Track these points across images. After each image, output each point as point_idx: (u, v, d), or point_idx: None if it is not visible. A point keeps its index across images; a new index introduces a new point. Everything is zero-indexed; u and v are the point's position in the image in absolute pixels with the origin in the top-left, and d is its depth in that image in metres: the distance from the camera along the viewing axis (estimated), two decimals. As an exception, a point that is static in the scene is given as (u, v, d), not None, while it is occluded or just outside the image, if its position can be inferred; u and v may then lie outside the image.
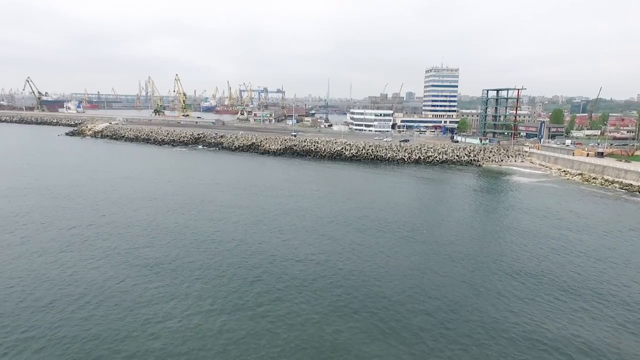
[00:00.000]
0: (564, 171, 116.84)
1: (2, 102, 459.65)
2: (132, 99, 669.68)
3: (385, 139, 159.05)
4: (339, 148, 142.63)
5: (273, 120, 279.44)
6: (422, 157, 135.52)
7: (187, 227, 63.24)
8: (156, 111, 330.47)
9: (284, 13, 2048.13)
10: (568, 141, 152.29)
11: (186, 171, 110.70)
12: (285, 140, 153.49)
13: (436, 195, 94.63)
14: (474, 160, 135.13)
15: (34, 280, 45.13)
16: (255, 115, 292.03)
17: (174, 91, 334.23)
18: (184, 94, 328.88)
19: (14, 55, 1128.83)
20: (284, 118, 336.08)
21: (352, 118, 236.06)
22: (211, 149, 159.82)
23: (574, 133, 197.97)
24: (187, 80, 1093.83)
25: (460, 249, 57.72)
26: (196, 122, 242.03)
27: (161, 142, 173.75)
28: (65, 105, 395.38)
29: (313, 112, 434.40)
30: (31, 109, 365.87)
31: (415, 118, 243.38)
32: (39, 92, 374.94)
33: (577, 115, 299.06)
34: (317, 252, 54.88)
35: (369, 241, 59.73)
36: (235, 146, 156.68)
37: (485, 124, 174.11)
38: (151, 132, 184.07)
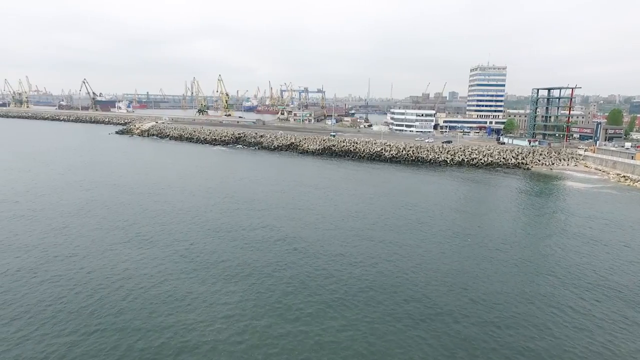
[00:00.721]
0: (624, 177, 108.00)
1: (62, 103, 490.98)
2: (179, 99, 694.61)
3: (427, 140, 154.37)
4: (379, 149, 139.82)
5: (312, 120, 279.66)
6: (466, 159, 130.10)
7: (230, 225, 63.47)
8: (200, 111, 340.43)
9: (325, 13, 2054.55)
10: (628, 144, 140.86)
11: (226, 170, 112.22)
12: (324, 140, 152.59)
13: (482, 199, 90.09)
14: (522, 163, 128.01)
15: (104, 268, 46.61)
16: (295, 115, 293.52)
17: (217, 91, 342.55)
18: (227, 94, 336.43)
19: (74, 59, 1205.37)
20: (323, 118, 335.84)
21: (392, 118, 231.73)
22: (251, 148, 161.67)
23: (634, 135, 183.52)
24: (230, 81, 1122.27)
25: (510, 257, 54.21)
26: (237, 122, 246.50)
27: (203, 141, 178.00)
28: (116, 105, 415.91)
29: (353, 112, 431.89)
30: (86, 108, 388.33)
31: (459, 118, 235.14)
32: (94, 93, 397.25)
33: (638, 115, 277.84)
34: (362, 258, 53.21)
35: (414, 245, 57.35)
36: (274, 146, 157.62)
37: (534, 125, 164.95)
38: (194, 132, 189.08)
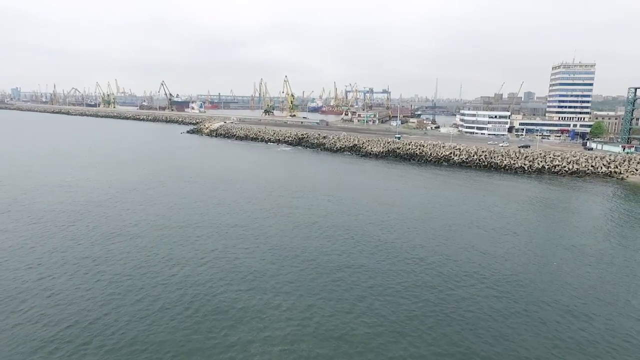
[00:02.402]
0: None
1: (144, 103, 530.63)
2: (248, 99, 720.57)
3: (501, 144, 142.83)
4: (447, 152, 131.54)
5: (377, 121, 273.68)
6: (547, 166, 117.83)
7: (294, 226, 61.70)
8: (266, 111, 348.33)
9: (394, 12, 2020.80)
10: None
11: (288, 170, 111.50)
12: (388, 142, 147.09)
13: (569, 212, 79.98)
14: (615, 172, 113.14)
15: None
16: (359, 115, 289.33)
17: (283, 92, 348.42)
18: (292, 95, 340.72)
19: (156, 62, 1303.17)
20: (388, 119, 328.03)
21: (462, 120, 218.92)
22: (313, 149, 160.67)
23: None
24: (297, 82, 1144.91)
25: (609, 289, 46.24)
26: (301, 122, 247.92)
27: (267, 141, 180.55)
28: (190, 106, 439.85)
29: (419, 113, 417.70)
30: (163, 108, 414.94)
31: (538, 120, 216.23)
32: (170, 94, 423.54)
33: None
34: (436, 276, 48.54)
35: (493, 264, 51.34)
36: (337, 147, 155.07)
37: (630, 129, 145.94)
38: (259, 132, 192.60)
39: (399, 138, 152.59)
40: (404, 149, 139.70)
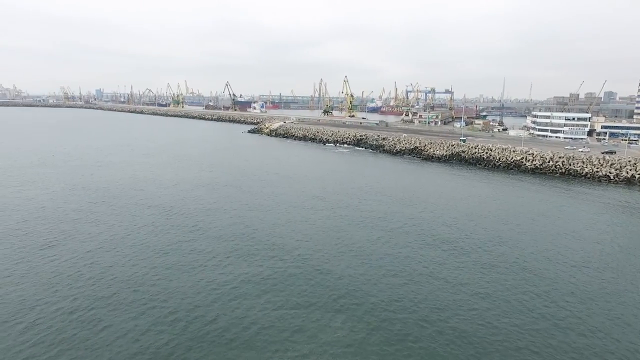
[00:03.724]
0: None
1: (210, 103, 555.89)
2: (307, 99, 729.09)
3: (581, 149, 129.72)
4: (518, 157, 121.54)
5: (439, 123, 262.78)
6: (637, 176, 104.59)
7: (352, 233, 59.23)
8: (325, 111, 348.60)
9: (458, 9, 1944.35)
10: None
11: (345, 172, 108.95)
12: (452, 145, 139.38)
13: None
14: None
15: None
16: (420, 116, 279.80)
17: (342, 92, 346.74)
18: (351, 95, 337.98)
19: (221, 63, 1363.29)
20: (450, 120, 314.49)
21: (533, 122, 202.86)
22: (372, 151, 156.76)
23: None
24: (356, 82, 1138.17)
25: None
26: (360, 123, 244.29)
27: (325, 142, 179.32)
28: (252, 106, 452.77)
29: (484, 114, 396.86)
30: (227, 108, 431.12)
31: (624, 123, 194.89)
32: (234, 94, 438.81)
33: None
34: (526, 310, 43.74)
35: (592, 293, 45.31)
36: (396, 149, 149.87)
37: None
38: (317, 132, 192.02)
39: (464, 141, 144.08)
40: (469, 153, 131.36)
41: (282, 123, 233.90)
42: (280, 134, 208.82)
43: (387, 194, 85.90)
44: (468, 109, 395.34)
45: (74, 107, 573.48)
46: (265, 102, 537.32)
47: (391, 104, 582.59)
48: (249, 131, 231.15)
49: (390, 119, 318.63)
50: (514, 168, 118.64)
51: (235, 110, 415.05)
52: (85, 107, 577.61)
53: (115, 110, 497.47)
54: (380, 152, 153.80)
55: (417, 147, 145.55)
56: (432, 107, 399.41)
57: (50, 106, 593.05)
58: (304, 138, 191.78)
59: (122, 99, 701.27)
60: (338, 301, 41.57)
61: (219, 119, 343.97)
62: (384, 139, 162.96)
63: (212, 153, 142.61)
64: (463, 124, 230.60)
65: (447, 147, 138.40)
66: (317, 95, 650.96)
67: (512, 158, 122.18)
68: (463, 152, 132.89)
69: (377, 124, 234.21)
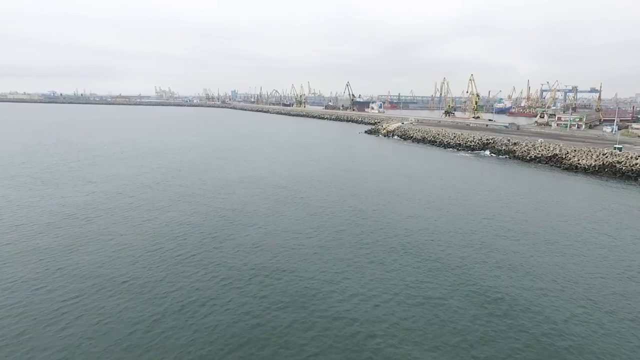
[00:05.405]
0: None
1: (330, 103, 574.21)
2: (427, 100, 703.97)
3: None
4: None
5: (583, 126, 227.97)
6: None
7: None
8: (446, 112, 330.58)
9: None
10: None
11: (469, 181, 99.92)
12: (603, 154, 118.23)
13: None
14: None
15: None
16: (558, 119, 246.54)
17: (467, 92, 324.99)
18: (477, 95, 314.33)
19: (341, 64, 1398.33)
20: (598, 123, 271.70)
21: None
22: (500, 157, 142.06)
23: None
24: (483, 81, 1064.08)
25: None
26: (486, 125, 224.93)
27: (446, 145, 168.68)
28: (370, 106, 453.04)
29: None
30: (346, 109, 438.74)
31: None
32: (353, 95, 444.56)
33: None
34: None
35: None
36: (530, 156, 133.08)
37: None
38: (438, 134, 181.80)
39: (619, 149, 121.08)
40: (628, 164, 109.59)
41: (400, 124, 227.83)
42: (397, 135, 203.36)
43: (524, 210, 75.71)
44: (621, 111, 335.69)
45: (212, 107, 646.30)
46: (384, 102, 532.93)
47: (522, 104, 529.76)
48: (365, 131, 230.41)
49: (521, 121, 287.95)
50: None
51: (353, 110, 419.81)
52: (222, 107, 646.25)
53: (245, 110, 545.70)
54: (510, 158, 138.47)
55: (557, 155, 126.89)
56: (574, 108, 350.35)
57: (194, 105, 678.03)
58: (422, 140, 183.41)
59: (252, 99, 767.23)
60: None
61: (337, 119, 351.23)
62: (515, 143, 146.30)
63: (331, 151, 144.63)
64: (615, 128, 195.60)
65: (597, 156, 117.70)
66: (438, 95, 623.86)
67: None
68: (619, 162, 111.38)
69: (506, 126, 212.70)
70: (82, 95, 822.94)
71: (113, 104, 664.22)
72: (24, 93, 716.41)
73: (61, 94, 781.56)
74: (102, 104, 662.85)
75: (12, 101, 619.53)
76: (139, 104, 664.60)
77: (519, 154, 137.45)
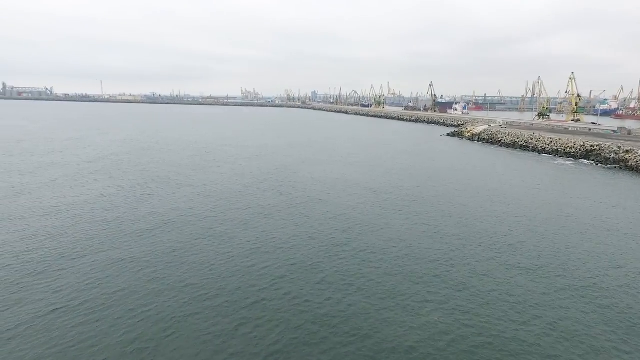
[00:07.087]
0: None
1: (410, 104, 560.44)
2: (517, 100, 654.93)
3: None
4: None
5: None
6: None
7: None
8: (540, 114, 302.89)
9: None
10: None
11: (569, 197, 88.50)
12: None
13: None
14: None
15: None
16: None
17: (566, 92, 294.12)
18: (578, 96, 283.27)
19: (424, 64, 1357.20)
20: None
21: None
22: (607, 167, 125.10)
23: None
24: (583, 80, 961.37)
25: None
26: (589, 130, 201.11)
27: (541, 151, 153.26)
28: (453, 107, 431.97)
29: None
30: (427, 110, 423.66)
31: None
32: (435, 95, 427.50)
33: None
34: None
35: None
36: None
37: None
38: (531, 139, 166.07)
39: None
40: None
41: (486, 127, 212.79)
42: (483, 139, 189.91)
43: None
44: None
45: (293, 107, 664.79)
46: (468, 103, 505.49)
47: (632, 105, 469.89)
48: (448, 134, 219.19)
49: (632, 124, 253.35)
50: None
51: (435, 111, 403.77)
52: (301, 107, 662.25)
53: (324, 110, 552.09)
54: (620, 169, 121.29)
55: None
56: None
57: (275, 106, 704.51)
58: (512, 145, 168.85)
59: (331, 100, 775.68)
60: None
61: (417, 120, 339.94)
62: (627, 152, 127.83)
63: (408, 156, 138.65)
64: None
65: None
66: (531, 96, 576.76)
67: None
68: None
69: (614, 131, 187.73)
70: (177, 96, 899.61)
71: (203, 104, 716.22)
72: (130, 95, 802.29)
73: (160, 95, 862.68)
74: (194, 104, 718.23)
75: (121, 102, 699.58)
76: (227, 104, 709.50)
77: (633, 165, 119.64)
